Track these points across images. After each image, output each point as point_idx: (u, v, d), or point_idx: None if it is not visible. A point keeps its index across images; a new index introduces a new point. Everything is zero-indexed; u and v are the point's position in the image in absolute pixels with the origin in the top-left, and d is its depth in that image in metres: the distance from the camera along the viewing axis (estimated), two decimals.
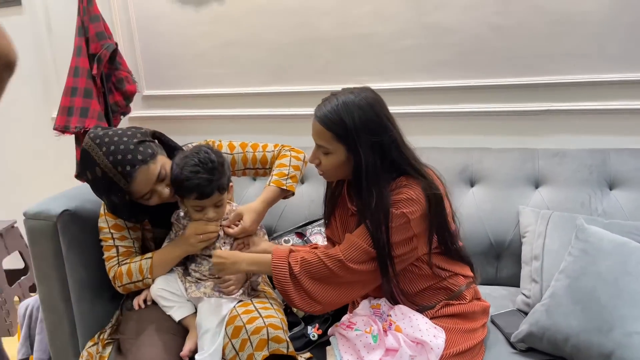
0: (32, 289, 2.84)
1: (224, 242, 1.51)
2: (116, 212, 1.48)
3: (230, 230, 1.49)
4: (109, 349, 1.56)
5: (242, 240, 1.51)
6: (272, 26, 2.17)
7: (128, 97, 2.31)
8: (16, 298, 2.75)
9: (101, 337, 1.59)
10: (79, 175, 1.81)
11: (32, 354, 1.81)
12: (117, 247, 1.53)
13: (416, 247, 1.32)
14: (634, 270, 1.29)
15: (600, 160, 1.71)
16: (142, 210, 1.51)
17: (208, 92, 2.35)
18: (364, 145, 1.26)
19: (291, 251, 1.36)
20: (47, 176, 2.78)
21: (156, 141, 1.50)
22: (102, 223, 1.55)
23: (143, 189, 1.41)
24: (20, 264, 2.87)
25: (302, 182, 2.09)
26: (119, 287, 1.53)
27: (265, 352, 1.36)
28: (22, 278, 2.78)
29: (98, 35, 2.14)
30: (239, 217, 1.50)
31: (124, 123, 2.46)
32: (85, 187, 1.71)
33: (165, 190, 1.44)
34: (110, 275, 1.53)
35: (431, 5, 1.93)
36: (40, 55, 2.59)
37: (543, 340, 1.34)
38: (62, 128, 2.10)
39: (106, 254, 1.54)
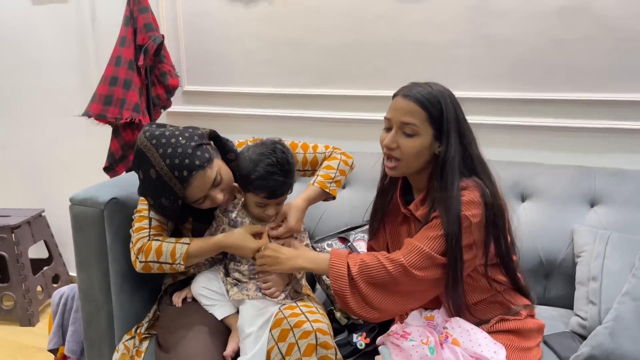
0: (55, 279, 2.82)
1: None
2: (163, 214, 1.42)
3: (275, 232, 1.45)
4: (145, 344, 1.52)
5: (283, 242, 1.46)
6: (321, 28, 2.14)
7: (170, 90, 2.29)
8: (39, 288, 2.72)
9: (138, 331, 1.55)
10: (130, 169, 1.73)
11: (63, 344, 1.77)
12: (150, 219, 1.44)
13: (476, 255, 1.27)
14: None
15: None
16: (189, 210, 1.46)
17: (251, 90, 2.32)
18: (453, 134, 1.24)
19: (350, 252, 1.31)
20: (77, 167, 2.76)
21: (212, 143, 1.45)
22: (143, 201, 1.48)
23: (198, 194, 1.37)
24: (44, 254, 2.84)
25: (344, 187, 2.05)
26: (140, 261, 1.41)
27: (313, 358, 1.31)
28: (45, 268, 2.75)
29: (146, 27, 2.13)
30: (283, 217, 1.46)
31: (163, 117, 2.44)
32: (131, 177, 1.69)
33: (219, 196, 1.40)
34: (137, 246, 1.41)
35: (489, 15, 1.90)
36: (82, 45, 2.58)
37: None
38: (96, 116, 2.08)
39: (137, 225, 1.44)
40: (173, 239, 1.45)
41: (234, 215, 1.47)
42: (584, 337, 1.43)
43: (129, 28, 2.12)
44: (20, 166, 2.92)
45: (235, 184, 1.44)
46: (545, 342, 1.46)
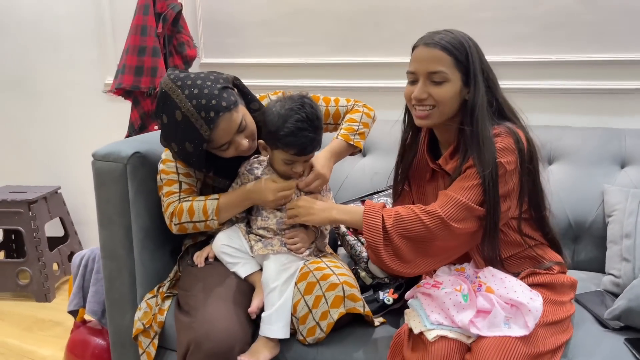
0: (71, 257, 2.80)
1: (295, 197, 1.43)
2: (187, 160, 1.39)
3: (303, 182, 1.41)
4: (167, 303, 1.51)
5: (313, 195, 1.43)
6: None
7: (188, 61, 2.28)
8: (55, 266, 2.71)
9: (160, 290, 1.53)
10: (155, 118, 1.62)
11: (84, 305, 1.75)
12: (180, 182, 1.43)
13: (510, 207, 1.23)
14: None
15: None
16: (211, 161, 1.43)
17: (269, 61, 2.30)
18: (480, 77, 1.21)
19: (384, 206, 1.27)
20: (95, 143, 2.74)
21: (235, 90, 1.43)
22: (167, 156, 1.44)
23: (223, 137, 1.33)
24: (60, 232, 2.83)
25: (364, 154, 2.02)
26: (175, 224, 1.42)
27: (342, 310, 1.29)
28: (61, 246, 2.74)
29: None
30: (310, 167, 1.43)
31: None
32: (155, 133, 1.67)
33: (244, 142, 1.37)
34: (169, 211, 1.42)
35: None
36: (98, 19, 2.58)
37: None
38: (129, 87, 2.06)
39: (167, 189, 1.43)
40: (202, 197, 1.43)
41: (259, 172, 1.44)
42: (617, 296, 1.39)
43: None
44: (37, 143, 2.92)
45: (261, 141, 1.41)
46: (577, 301, 1.42)
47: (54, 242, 2.76)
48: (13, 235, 2.84)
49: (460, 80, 1.23)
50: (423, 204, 1.38)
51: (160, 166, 1.46)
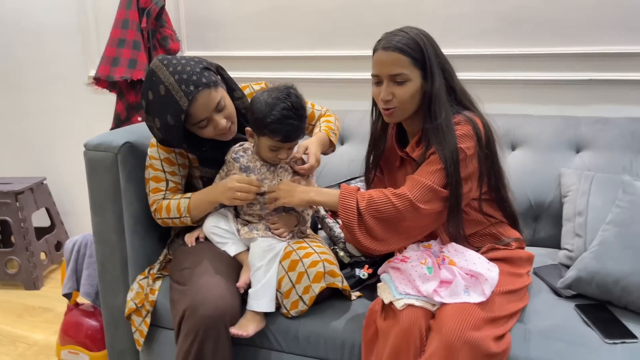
0: (58, 247, 2.87)
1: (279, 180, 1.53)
2: (168, 135, 1.46)
3: (305, 167, 1.51)
4: (158, 283, 1.61)
5: (296, 179, 1.53)
6: None
7: (171, 55, 2.34)
8: (43, 255, 2.78)
9: (151, 272, 1.63)
10: (142, 97, 1.66)
11: (77, 288, 1.84)
12: (167, 181, 1.55)
13: (471, 188, 1.36)
14: None
15: None
16: (193, 143, 1.53)
17: (250, 54, 2.39)
18: (436, 70, 1.32)
19: (359, 189, 1.39)
20: (80, 135, 2.80)
21: (219, 77, 1.53)
22: (153, 154, 1.55)
23: (201, 113, 1.43)
24: (46, 223, 2.90)
25: (342, 142, 2.14)
26: (158, 219, 1.57)
27: (322, 284, 1.41)
28: (47, 235, 2.81)
29: None
30: (305, 148, 1.54)
31: None
32: (144, 124, 1.75)
33: (222, 122, 1.46)
34: (152, 207, 1.56)
35: None
36: (82, 12, 2.63)
37: (592, 284, 1.38)
38: (105, 77, 2.13)
39: (154, 186, 1.55)
40: (179, 196, 1.55)
41: (245, 160, 1.54)
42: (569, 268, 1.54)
43: None
44: (22, 135, 2.96)
45: (248, 128, 1.51)
46: (535, 273, 1.57)
47: (40, 232, 2.82)
48: (1, 226, 2.89)
49: (420, 77, 1.34)
50: (394, 189, 1.51)
51: (148, 161, 1.56)
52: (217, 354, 1.36)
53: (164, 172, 1.55)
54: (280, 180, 1.51)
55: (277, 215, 1.54)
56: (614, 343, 1.24)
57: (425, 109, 1.35)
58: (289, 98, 1.42)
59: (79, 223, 2.99)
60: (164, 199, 1.55)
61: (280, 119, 1.40)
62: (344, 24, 2.23)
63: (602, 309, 1.37)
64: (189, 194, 1.55)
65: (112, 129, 2.29)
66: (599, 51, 1.91)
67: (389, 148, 1.54)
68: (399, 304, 1.28)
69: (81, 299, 1.94)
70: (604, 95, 1.94)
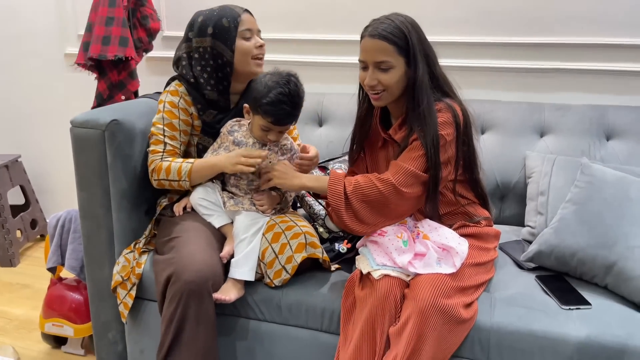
0: (33, 224, 2.87)
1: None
2: (222, 41, 1.60)
3: (305, 155, 1.63)
4: (144, 257, 1.66)
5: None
6: None
7: (152, 34, 2.36)
8: (18, 233, 2.78)
9: (137, 246, 1.68)
10: (189, 28, 1.69)
11: (62, 263, 1.88)
12: (165, 143, 1.61)
13: (450, 172, 1.45)
14: (635, 197, 1.48)
15: (600, 114, 1.90)
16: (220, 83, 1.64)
17: None
18: (420, 57, 1.39)
19: (346, 175, 1.46)
20: (55, 113, 2.80)
21: None
22: (157, 119, 1.63)
23: (251, 23, 1.64)
24: (21, 201, 2.89)
25: (320, 124, 2.21)
26: (154, 180, 1.61)
27: (304, 254, 1.49)
28: (22, 213, 2.80)
29: None
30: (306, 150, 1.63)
31: (143, 60, 2.51)
32: (130, 102, 1.80)
33: (261, 41, 1.67)
34: (151, 167, 1.61)
35: None
36: None
37: (551, 257, 1.51)
38: (97, 56, 2.14)
39: (152, 147, 1.62)
40: (180, 159, 1.60)
41: (238, 135, 1.60)
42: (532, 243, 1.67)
43: None
44: None
45: (246, 105, 1.58)
46: (500, 249, 1.69)
47: (15, 210, 2.82)
48: None
49: (404, 64, 1.40)
50: (375, 169, 1.59)
51: (154, 117, 1.64)
52: (200, 318, 1.43)
53: (164, 135, 1.62)
54: (270, 162, 1.58)
55: (262, 193, 1.61)
56: (570, 309, 1.37)
57: (409, 94, 1.42)
58: (287, 85, 1.49)
59: (54, 201, 2.99)
60: (162, 159, 1.60)
61: (275, 102, 1.48)
62: (322, 9, 2.28)
63: (560, 279, 1.50)
64: (191, 159, 1.60)
65: (93, 107, 2.29)
66: (563, 42, 2.03)
67: (373, 129, 1.61)
68: (376, 274, 1.37)
69: (65, 274, 1.98)
70: (567, 83, 2.06)
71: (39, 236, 2.95)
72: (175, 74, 1.71)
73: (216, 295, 1.45)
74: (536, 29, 2.05)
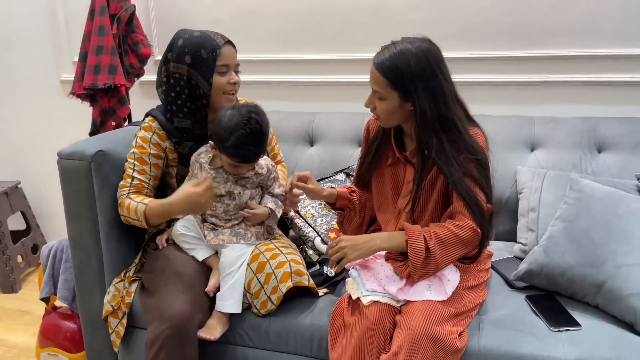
0: (34, 250, 2.90)
1: (243, 189, 1.59)
2: (199, 70, 1.56)
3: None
4: (134, 285, 1.66)
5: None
6: None
7: (143, 59, 2.39)
8: (19, 258, 2.80)
9: (127, 275, 1.69)
10: (168, 51, 1.64)
11: (55, 292, 1.89)
12: (132, 177, 1.60)
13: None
14: (623, 213, 1.45)
15: (591, 126, 1.88)
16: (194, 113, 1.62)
17: None
18: (422, 93, 1.33)
19: (422, 226, 1.40)
20: (53, 139, 2.83)
21: None
22: (130, 154, 1.62)
23: (229, 58, 1.60)
24: (22, 226, 2.91)
25: (312, 144, 2.21)
26: (121, 215, 1.61)
27: (289, 284, 1.48)
28: (23, 239, 2.83)
29: None
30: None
31: (136, 85, 2.54)
32: (116, 132, 1.81)
33: (236, 77, 1.64)
34: (119, 202, 1.61)
35: None
36: (53, 17, 2.64)
37: (541, 276, 1.49)
38: (89, 86, 2.17)
39: (122, 182, 1.62)
40: (140, 198, 1.58)
41: (203, 160, 1.59)
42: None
43: None
44: None
45: (211, 142, 1.57)
46: (492, 267, 1.67)
47: (16, 236, 2.84)
48: None
49: (397, 98, 1.36)
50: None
51: (129, 152, 1.63)
52: None
53: (133, 169, 1.61)
54: (240, 193, 1.58)
55: (251, 212, 1.59)
56: (559, 331, 1.34)
57: (417, 129, 1.38)
58: (248, 124, 1.47)
59: (55, 225, 3.01)
60: (127, 195, 1.59)
61: (238, 145, 1.47)
62: (311, 29, 2.29)
63: (550, 299, 1.47)
64: (147, 200, 1.57)
65: (90, 133, 2.32)
66: (551, 54, 2.02)
67: (388, 146, 1.55)
68: (365, 300, 1.36)
69: (59, 302, 1.99)
70: (557, 95, 2.05)
71: (40, 261, 2.97)
72: (153, 106, 1.71)
73: (201, 334, 1.44)
74: (524, 42, 2.04)
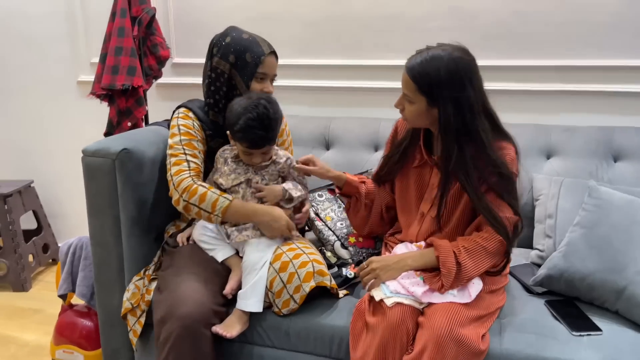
0: (45, 249, 2.90)
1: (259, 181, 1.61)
2: (240, 71, 1.60)
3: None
4: (154, 284, 1.66)
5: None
6: (305, 2, 2.31)
7: (161, 61, 2.41)
8: (30, 257, 2.81)
9: (147, 273, 1.69)
10: (213, 45, 1.66)
11: (73, 290, 1.89)
12: (188, 161, 1.58)
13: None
14: None
15: (607, 136, 1.90)
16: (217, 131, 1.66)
17: None
18: (448, 102, 1.34)
19: (450, 242, 1.42)
20: (68, 139, 2.85)
21: None
22: (174, 141, 1.60)
23: (269, 68, 1.63)
24: (33, 225, 2.92)
25: (327, 148, 2.23)
26: (183, 200, 1.52)
27: (312, 283, 1.49)
28: (35, 238, 2.84)
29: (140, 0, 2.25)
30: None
31: (153, 87, 2.56)
32: (140, 131, 1.83)
33: (271, 88, 1.65)
34: (181, 185, 1.52)
35: None
36: (71, 18, 2.67)
37: (560, 281, 1.50)
38: (107, 86, 2.19)
39: (176, 168, 1.56)
40: (218, 191, 1.56)
41: (228, 155, 1.63)
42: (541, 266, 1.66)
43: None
44: (9, 138, 2.98)
45: (228, 132, 1.59)
46: (510, 273, 1.68)
47: (28, 235, 2.85)
48: None
49: (425, 102, 1.38)
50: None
51: (169, 141, 1.61)
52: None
53: (185, 154, 1.59)
54: (257, 182, 1.60)
55: (263, 186, 1.60)
56: (580, 335, 1.36)
57: (440, 136, 1.41)
58: (256, 109, 1.50)
59: (66, 225, 3.02)
60: (192, 179, 1.54)
61: (245, 128, 1.49)
62: (329, 35, 2.32)
63: (570, 305, 1.49)
64: (230, 196, 1.55)
65: (105, 134, 2.34)
66: (567, 64, 2.05)
67: (415, 150, 1.58)
68: (389, 302, 1.36)
69: (75, 300, 1.99)
70: (574, 105, 2.07)
71: (50, 260, 2.98)
72: (170, 109, 1.72)
73: (217, 329, 1.44)
74: (541, 52, 2.07)
